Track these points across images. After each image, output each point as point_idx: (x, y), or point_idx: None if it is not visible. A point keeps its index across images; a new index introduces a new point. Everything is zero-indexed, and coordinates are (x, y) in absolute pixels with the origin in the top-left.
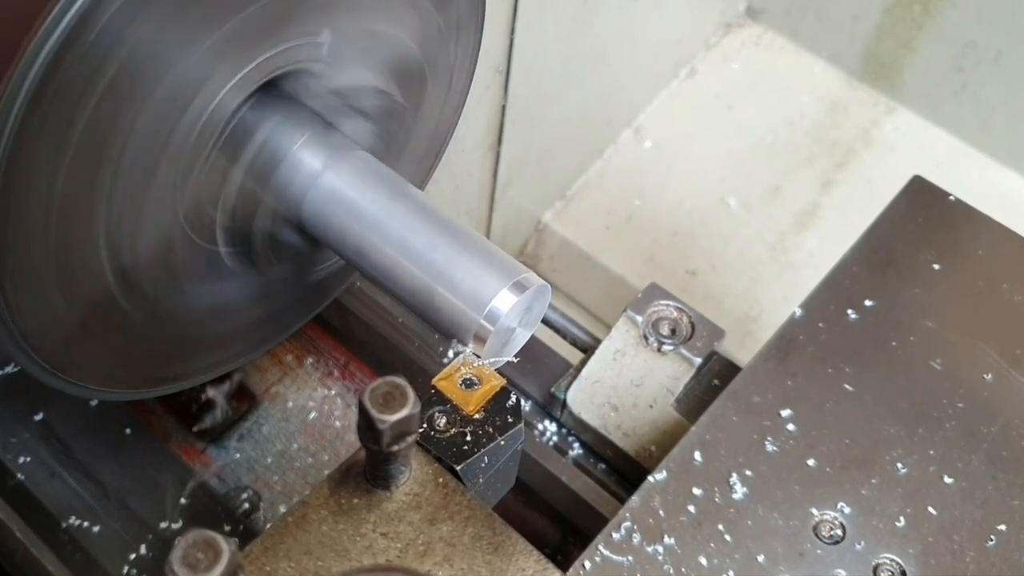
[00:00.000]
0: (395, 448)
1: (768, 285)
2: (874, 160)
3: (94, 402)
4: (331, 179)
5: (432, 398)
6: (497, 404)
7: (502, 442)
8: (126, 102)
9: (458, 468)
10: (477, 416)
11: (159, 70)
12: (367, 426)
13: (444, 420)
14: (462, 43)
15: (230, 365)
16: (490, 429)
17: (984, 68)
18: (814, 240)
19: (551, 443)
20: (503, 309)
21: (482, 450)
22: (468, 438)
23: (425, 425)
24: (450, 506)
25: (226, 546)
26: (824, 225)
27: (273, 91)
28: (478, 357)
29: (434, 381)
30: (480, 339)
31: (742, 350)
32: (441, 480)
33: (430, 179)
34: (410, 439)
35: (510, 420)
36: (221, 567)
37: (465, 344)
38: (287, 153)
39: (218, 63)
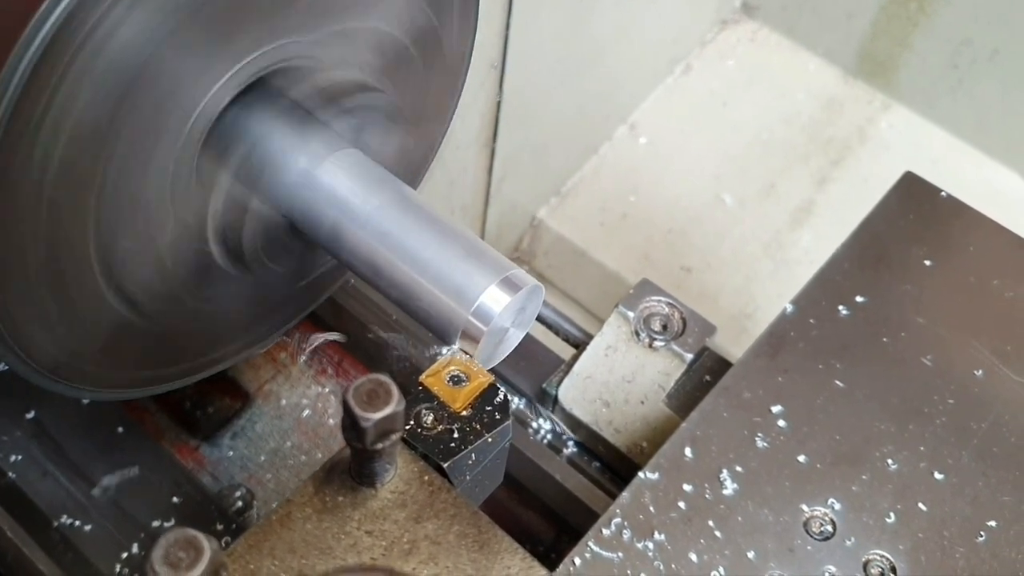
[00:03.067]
0: (379, 446)
1: (763, 282)
2: (869, 157)
3: (86, 400)
4: (322, 177)
5: (419, 395)
6: (485, 401)
7: (489, 439)
8: (114, 102)
9: (445, 466)
10: (464, 413)
11: (146, 70)
12: (351, 424)
13: (431, 417)
14: (457, 40)
15: (223, 364)
16: (477, 426)
17: (980, 65)
18: (809, 237)
19: (545, 441)
20: (496, 309)
21: (469, 447)
22: (455, 435)
23: (412, 422)
24: (435, 504)
25: (207, 544)
26: (819, 222)
27: (264, 89)
28: (466, 354)
29: (421, 378)
30: (468, 336)
31: (737, 347)
32: (427, 478)
33: (424, 176)
34: (394, 437)
35: (498, 417)
36: (202, 565)
37: (452, 342)
38: (278, 151)
39: (207, 61)
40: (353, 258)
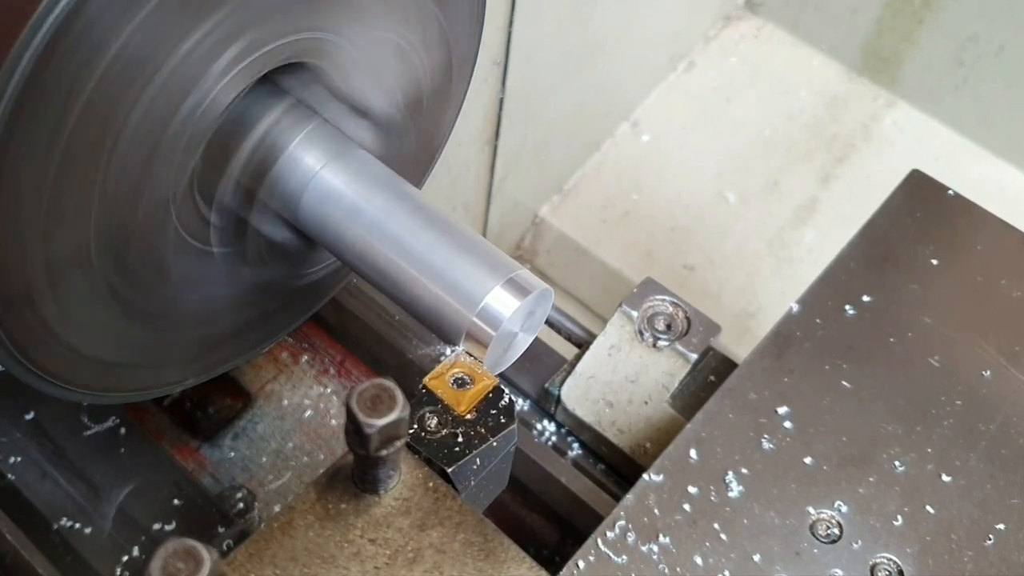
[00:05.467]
0: (383, 452)
1: (766, 280)
2: (873, 155)
3: (85, 403)
4: (328, 178)
5: (423, 398)
6: (490, 404)
7: (495, 443)
8: (119, 96)
9: (449, 470)
10: (469, 416)
11: (153, 62)
12: (354, 430)
13: (435, 421)
14: (463, 39)
15: (225, 366)
16: (482, 430)
17: (985, 62)
18: (812, 235)
19: (550, 443)
20: (505, 314)
21: (474, 452)
22: (460, 439)
23: (415, 426)
24: (440, 511)
25: (207, 555)
26: (822, 220)
27: (270, 86)
28: (471, 356)
29: (425, 380)
30: (476, 340)
31: (740, 346)
32: (431, 484)
33: (428, 176)
34: (399, 443)
35: (503, 420)
36: None
37: (457, 344)
38: (284, 151)
39: (215, 55)
40: (357, 259)
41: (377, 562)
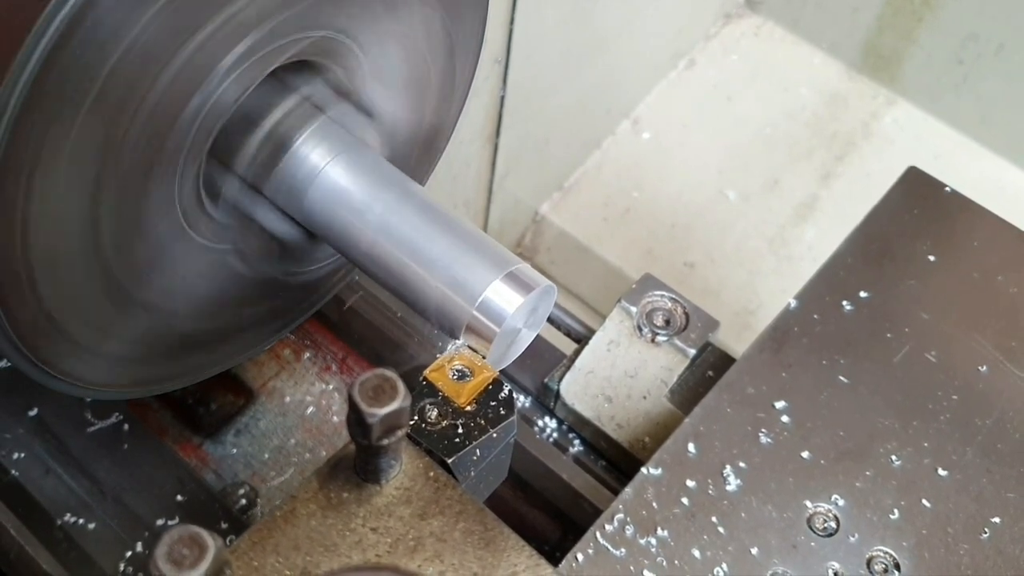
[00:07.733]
0: (385, 442)
1: (766, 278)
2: (873, 153)
3: (88, 399)
4: (332, 174)
5: (423, 390)
6: (489, 396)
7: (494, 435)
8: (126, 94)
9: (449, 461)
10: (469, 408)
11: (159, 61)
12: (356, 420)
13: (435, 412)
14: (465, 37)
15: (228, 363)
16: (482, 421)
17: (985, 60)
18: (813, 233)
19: (551, 440)
20: (508, 310)
21: (474, 443)
22: (460, 431)
23: (416, 418)
24: (441, 500)
25: (211, 542)
26: (823, 218)
27: (275, 85)
28: (472, 351)
29: (425, 373)
30: (479, 335)
31: (740, 343)
32: (432, 474)
33: (431, 173)
34: (400, 433)
35: (503, 412)
36: (206, 563)
37: (458, 338)
38: (289, 147)
39: (219, 54)
40: (360, 254)
41: (379, 550)
